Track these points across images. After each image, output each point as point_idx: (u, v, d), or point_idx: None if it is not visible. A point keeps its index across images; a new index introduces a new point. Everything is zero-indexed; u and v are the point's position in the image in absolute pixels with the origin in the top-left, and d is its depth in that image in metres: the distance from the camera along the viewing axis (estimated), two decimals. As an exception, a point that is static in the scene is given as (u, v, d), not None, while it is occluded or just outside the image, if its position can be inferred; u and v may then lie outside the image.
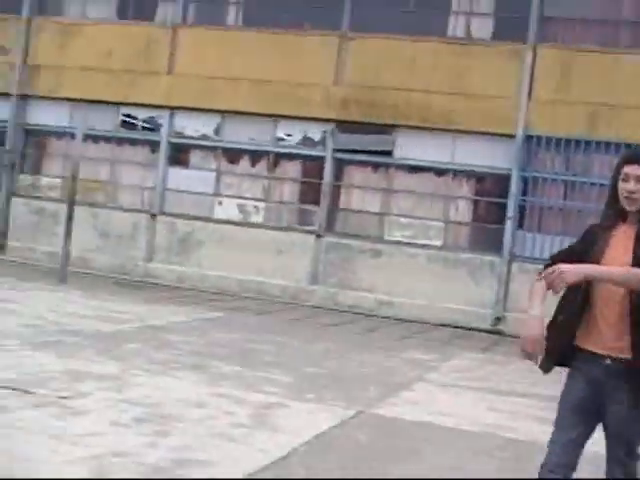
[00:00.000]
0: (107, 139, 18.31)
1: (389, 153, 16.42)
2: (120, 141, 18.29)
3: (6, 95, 18.70)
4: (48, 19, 18.68)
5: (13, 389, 6.67)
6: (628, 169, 3.84)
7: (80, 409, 6.38)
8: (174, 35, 17.68)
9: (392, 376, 9.73)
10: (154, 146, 17.95)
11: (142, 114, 18.11)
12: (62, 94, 18.28)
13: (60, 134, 18.58)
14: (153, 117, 18.01)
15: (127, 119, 18.26)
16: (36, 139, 19.21)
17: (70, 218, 15.16)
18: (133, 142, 18.23)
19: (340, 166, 16.79)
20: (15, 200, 18.76)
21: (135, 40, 17.79)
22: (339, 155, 16.64)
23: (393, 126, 16.30)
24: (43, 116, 18.74)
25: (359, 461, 5.98)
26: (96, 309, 12.33)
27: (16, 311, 11.10)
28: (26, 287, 14.05)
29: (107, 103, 17.96)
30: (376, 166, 16.62)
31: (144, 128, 18.19)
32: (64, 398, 6.62)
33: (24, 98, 18.72)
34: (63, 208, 15.65)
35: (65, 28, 18.44)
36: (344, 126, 16.59)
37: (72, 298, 13.27)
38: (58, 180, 18.49)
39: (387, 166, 16.54)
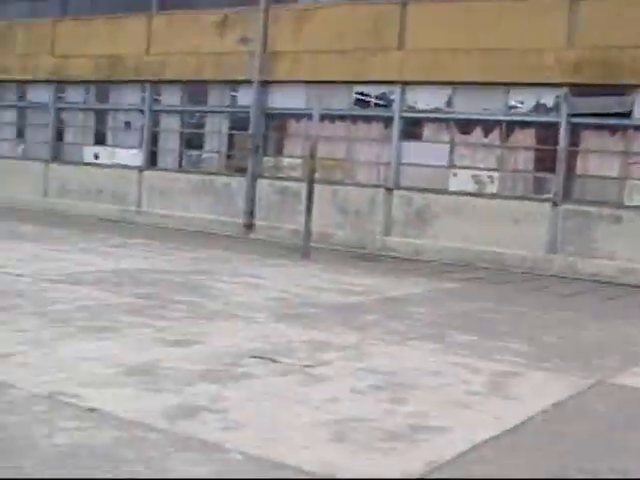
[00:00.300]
0: (342, 118, 18.87)
1: (627, 114, 15.71)
2: (354, 119, 18.78)
3: (248, 82, 19.74)
4: (284, 7, 19.49)
5: (261, 358, 7.18)
6: None
7: (322, 377, 6.74)
8: (403, 10, 17.84)
9: (635, 345, 9.43)
10: (387, 122, 18.27)
11: (374, 91, 18.51)
12: (298, 77, 19.05)
13: (298, 116, 19.37)
14: (385, 93, 18.35)
15: (360, 97, 18.72)
16: (276, 122, 20.16)
17: (310, 196, 15.80)
18: (367, 119, 18.67)
19: (575, 131, 16.27)
20: (260, 181, 19.78)
21: (365, 19, 18.14)
22: (574, 120, 16.12)
23: (632, 86, 15.55)
24: (282, 100, 19.63)
25: (597, 431, 5.92)
26: (336, 282, 12.83)
27: (263, 286, 11.83)
28: (272, 263, 14.86)
29: (340, 83, 18.51)
30: (614, 129, 15.96)
31: (377, 105, 18.59)
32: (307, 366, 7.02)
33: (264, 84, 19.67)
34: (304, 187, 16.31)
35: (299, 14, 19.15)
36: (578, 89, 16.03)
37: (314, 272, 13.89)
38: (298, 160, 19.31)
39: (625, 128, 15.83)
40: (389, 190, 17.97)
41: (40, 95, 24.25)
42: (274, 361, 7.10)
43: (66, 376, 6.17)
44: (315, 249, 16.13)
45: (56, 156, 23.85)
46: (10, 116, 25.61)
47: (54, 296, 9.66)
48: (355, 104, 18.76)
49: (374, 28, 17.99)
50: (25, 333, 7.55)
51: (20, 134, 25.42)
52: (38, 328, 7.80)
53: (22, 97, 25.08)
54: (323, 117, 17.40)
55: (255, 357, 7.18)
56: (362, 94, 18.68)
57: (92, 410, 5.36)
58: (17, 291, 9.81)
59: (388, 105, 18.28)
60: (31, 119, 24.95)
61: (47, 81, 23.72)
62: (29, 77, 24.16)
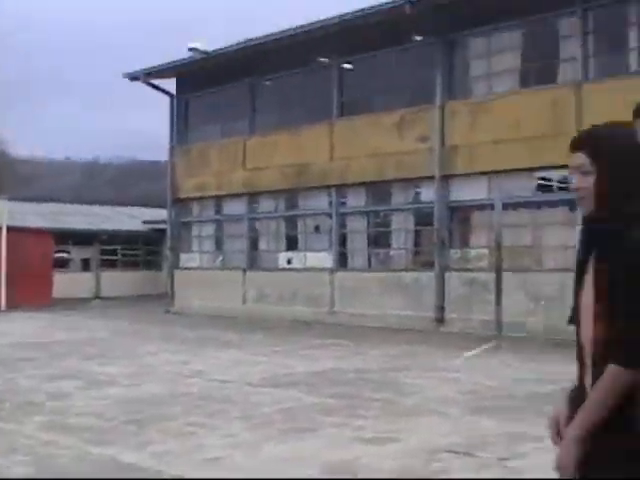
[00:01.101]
0: (525, 204, 18.79)
1: None
2: (538, 204, 18.67)
3: (430, 178, 20.13)
4: (459, 102, 19.88)
5: (456, 453, 7.26)
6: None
7: (519, 470, 6.74)
8: (577, 92, 17.73)
9: None
10: (572, 205, 18.02)
11: (556, 175, 18.35)
12: (478, 169, 19.23)
13: (481, 206, 19.48)
14: (566, 177, 18.15)
15: (542, 182, 18.62)
16: (460, 214, 20.35)
17: (499, 285, 15.80)
18: (551, 204, 18.50)
19: None
20: (448, 274, 19.89)
21: (540, 105, 18.17)
22: None
23: None
24: (464, 192, 19.82)
25: None
26: (531, 371, 12.64)
27: (456, 379, 11.84)
28: (464, 356, 14.82)
29: (521, 170, 18.49)
30: None
31: (560, 189, 18.41)
32: (503, 459, 7.03)
33: (445, 178, 19.98)
34: (492, 276, 16.31)
35: (475, 107, 19.47)
36: None
37: (508, 362, 13.76)
38: (485, 250, 19.33)
39: None
40: (580, 273, 17.53)
41: (234, 207, 25.78)
42: (469, 455, 7.16)
43: (269, 478, 6.52)
44: (508, 338, 15.99)
45: (252, 264, 25.09)
46: (209, 229, 27.33)
47: (256, 399, 10.16)
48: (537, 189, 18.67)
49: (551, 113, 17.94)
50: (232, 437, 8.01)
51: (218, 245, 27.01)
52: (243, 431, 8.26)
53: (219, 211, 26.74)
54: (506, 205, 17.43)
55: (449, 452, 7.27)
56: (544, 179, 18.59)
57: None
58: (223, 396, 10.39)
59: (570, 188, 18.02)
60: (227, 231, 26.50)
61: (240, 194, 25.21)
62: (224, 192, 25.78)
